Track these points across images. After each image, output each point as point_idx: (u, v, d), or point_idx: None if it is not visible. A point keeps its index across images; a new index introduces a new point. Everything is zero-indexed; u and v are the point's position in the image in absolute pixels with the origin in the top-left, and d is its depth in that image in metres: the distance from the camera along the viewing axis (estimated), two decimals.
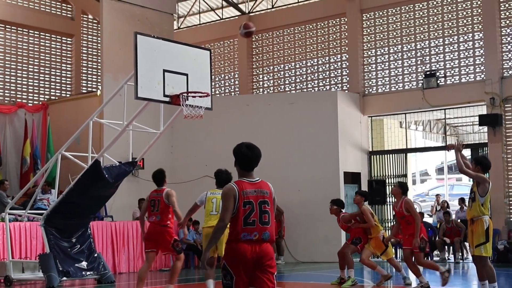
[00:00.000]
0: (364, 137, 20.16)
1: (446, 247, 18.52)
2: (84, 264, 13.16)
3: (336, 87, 21.11)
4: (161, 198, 9.84)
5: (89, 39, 22.75)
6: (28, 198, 15.35)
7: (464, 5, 19.05)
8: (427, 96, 19.07)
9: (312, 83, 21.68)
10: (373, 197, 19.56)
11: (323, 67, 21.58)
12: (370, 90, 20.43)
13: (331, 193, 17.00)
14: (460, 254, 18.08)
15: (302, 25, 21.97)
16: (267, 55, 22.73)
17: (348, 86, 20.80)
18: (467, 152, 18.42)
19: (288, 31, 22.28)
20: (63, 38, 22.14)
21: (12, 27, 20.99)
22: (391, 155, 20.25)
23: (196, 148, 19.28)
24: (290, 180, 18.80)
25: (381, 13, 20.40)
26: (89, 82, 22.63)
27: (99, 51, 21.40)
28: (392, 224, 19.52)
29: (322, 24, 21.60)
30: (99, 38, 21.40)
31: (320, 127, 19.03)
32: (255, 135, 19.05)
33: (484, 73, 18.50)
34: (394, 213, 11.61)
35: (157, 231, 9.83)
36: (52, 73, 21.79)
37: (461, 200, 19.21)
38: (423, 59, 19.64)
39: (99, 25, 21.02)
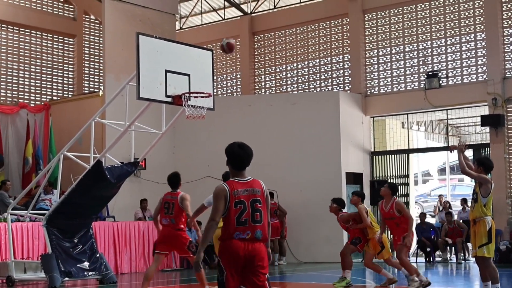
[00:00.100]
0: (366, 138, 20.15)
1: (448, 247, 18.51)
2: (86, 264, 13.16)
3: (338, 88, 21.10)
4: (176, 202, 9.88)
5: (91, 40, 22.76)
6: (30, 198, 15.36)
7: (466, 6, 19.04)
8: (429, 96, 19.06)
9: (314, 84, 21.68)
10: (375, 197, 19.53)
11: (325, 68, 21.57)
12: (372, 90, 20.42)
13: (333, 194, 16.90)
14: (462, 254, 18.07)
15: (304, 26, 21.96)
16: (269, 56, 22.72)
17: (350, 86, 20.79)
18: (469, 153, 18.40)
19: (290, 31, 22.27)
20: (65, 38, 22.15)
21: (14, 28, 21.00)
22: (393, 155, 20.23)
23: (198, 149, 19.29)
24: (292, 181, 18.81)
25: (383, 13, 20.39)
26: (91, 83, 22.65)
27: (101, 52, 21.43)
28: None
29: (324, 25, 21.58)
30: (101, 39, 21.43)
31: (322, 127, 19.02)
32: (257, 135, 19.09)
33: (486, 74, 18.48)
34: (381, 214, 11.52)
35: (172, 235, 9.86)
36: (54, 73, 21.80)
37: (463, 201, 19.20)
38: (425, 60, 19.62)
39: (101, 26, 21.04)
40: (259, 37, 22.96)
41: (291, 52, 22.24)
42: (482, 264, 9.27)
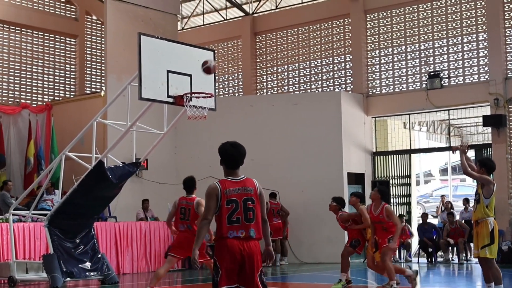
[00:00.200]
0: (368, 138, 20.15)
1: (450, 248, 18.49)
2: (88, 264, 13.17)
3: (340, 88, 21.10)
4: (192, 207, 9.85)
5: (93, 40, 22.78)
6: (32, 198, 15.37)
7: (468, 6, 19.02)
8: (431, 96, 19.04)
9: (316, 84, 21.67)
10: None
11: (327, 68, 21.56)
12: (374, 90, 20.41)
13: (335, 194, 16.71)
14: (464, 255, 18.05)
15: (306, 26, 21.96)
16: (271, 56, 22.72)
17: (352, 86, 20.78)
18: (471, 153, 18.39)
19: (292, 31, 22.27)
20: (67, 38, 22.17)
21: (16, 28, 21.01)
22: (395, 155, 20.22)
23: (200, 149, 19.28)
24: (294, 181, 18.81)
25: (385, 13, 20.39)
26: (93, 83, 22.66)
27: (103, 52, 21.44)
28: None
29: (326, 25, 21.57)
30: (103, 39, 21.43)
31: (323, 127, 19.01)
32: (259, 135, 19.10)
33: (488, 74, 18.47)
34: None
35: (190, 241, 9.81)
36: (56, 73, 21.81)
37: (466, 200, 19.19)
38: (427, 60, 19.61)
39: (103, 26, 21.06)
40: (261, 38, 22.96)
41: (293, 52, 22.23)
42: (485, 265, 9.25)
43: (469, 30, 19.03)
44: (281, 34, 22.50)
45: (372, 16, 20.61)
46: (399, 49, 20.18)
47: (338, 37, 21.38)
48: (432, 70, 19.37)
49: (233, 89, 23.59)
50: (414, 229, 19.53)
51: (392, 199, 19.89)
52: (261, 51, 22.93)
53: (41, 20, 21.36)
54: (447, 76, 19.15)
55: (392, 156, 20.23)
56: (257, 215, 5.95)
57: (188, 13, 24.37)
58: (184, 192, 10.12)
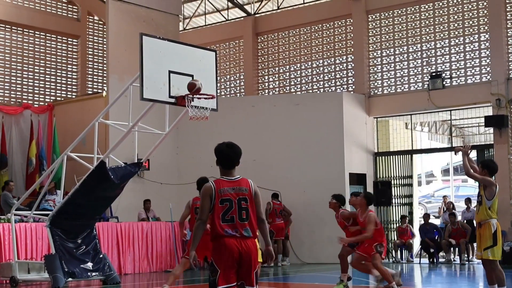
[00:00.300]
0: (370, 138, 20.14)
1: (451, 248, 18.48)
2: (89, 265, 13.17)
3: (341, 88, 21.09)
4: None
5: (94, 40, 22.79)
6: (34, 199, 15.38)
7: (470, 6, 19.01)
8: (432, 97, 19.03)
9: (318, 84, 21.67)
10: (379, 198, 19.54)
11: (329, 68, 21.56)
12: (376, 91, 20.40)
13: None
14: (466, 255, 18.04)
15: (307, 26, 21.95)
16: (273, 56, 22.72)
17: (353, 87, 20.77)
18: (472, 154, 18.36)
19: (294, 32, 22.26)
20: (69, 39, 22.18)
21: (18, 28, 21.03)
22: (396, 156, 20.21)
23: (202, 149, 19.26)
24: (295, 181, 18.81)
25: (386, 14, 20.38)
26: (94, 83, 22.67)
27: (104, 52, 21.46)
28: (397, 225, 19.50)
29: (328, 25, 21.57)
30: (104, 39, 21.45)
31: (325, 128, 19.01)
32: (261, 136, 19.11)
33: (490, 74, 18.46)
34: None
35: (206, 240, 9.83)
36: (58, 74, 21.82)
37: (468, 200, 19.18)
38: (429, 60, 19.60)
39: (104, 26, 21.07)
40: (262, 38, 22.96)
41: (294, 52, 22.23)
42: (488, 267, 9.23)
43: (471, 30, 19.02)
44: (283, 34, 22.50)
45: (374, 17, 20.61)
46: (401, 50, 20.17)
47: (340, 37, 21.37)
48: (434, 70, 19.36)
49: (235, 90, 23.60)
50: (416, 229, 19.52)
51: (393, 200, 19.89)
52: (263, 52, 22.94)
53: (43, 21, 21.38)
54: (449, 76, 19.14)
55: (394, 156, 20.22)
56: (251, 215, 6.02)
57: (190, 13, 24.38)
58: (197, 193, 10.13)
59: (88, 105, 19.61)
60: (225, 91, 23.67)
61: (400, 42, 20.17)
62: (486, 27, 18.68)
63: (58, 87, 21.81)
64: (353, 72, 20.86)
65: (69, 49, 22.19)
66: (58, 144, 19.05)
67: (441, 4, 19.52)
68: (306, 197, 18.71)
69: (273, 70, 22.71)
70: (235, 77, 23.60)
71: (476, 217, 9.41)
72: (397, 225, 19.51)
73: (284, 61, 22.49)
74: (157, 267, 16.54)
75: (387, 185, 19.76)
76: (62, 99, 21.58)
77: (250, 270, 5.95)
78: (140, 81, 11.14)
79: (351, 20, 20.94)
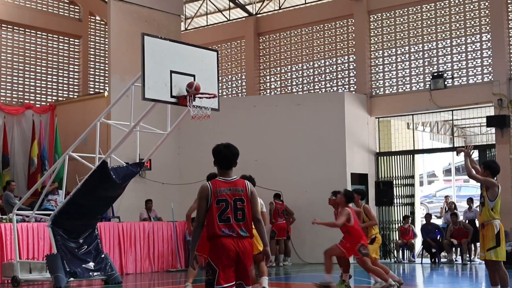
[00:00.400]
0: (371, 138, 20.13)
1: (453, 248, 18.47)
2: (91, 264, 13.18)
3: (343, 88, 21.08)
4: None
5: (96, 40, 22.81)
6: (36, 199, 15.39)
7: (472, 6, 19.00)
8: (434, 97, 19.02)
9: (319, 84, 21.67)
10: (380, 198, 19.54)
11: (330, 68, 21.55)
12: (377, 91, 20.39)
13: None
14: (468, 255, 18.03)
15: (309, 26, 21.95)
16: (274, 56, 22.72)
17: (355, 87, 20.77)
18: (474, 154, 18.35)
19: (295, 32, 22.26)
20: (71, 39, 22.20)
21: (20, 29, 21.04)
22: (398, 156, 20.20)
23: (203, 149, 19.11)
24: (297, 181, 18.81)
25: (388, 14, 20.37)
26: (96, 83, 22.68)
27: (106, 52, 21.47)
28: (399, 225, 19.49)
29: (329, 25, 21.57)
30: (106, 39, 21.46)
31: (327, 128, 19.01)
32: (262, 136, 19.12)
33: (491, 74, 18.45)
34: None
35: None
36: (59, 74, 21.84)
37: (470, 200, 19.16)
38: (431, 60, 19.59)
39: (106, 27, 21.07)
40: (264, 38, 22.96)
41: (296, 53, 22.23)
42: (491, 268, 9.20)
43: (472, 30, 19.01)
44: (285, 34, 22.50)
45: (375, 17, 20.60)
46: (403, 50, 20.16)
47: (342, 37, 21.37)
48: (436, 70, 19.35)
49: (237, 90, 23.60)
50: (417, 229, 19.50)
51: (395, 200, 19.88)
52: (264, 52, 22.94)
53: (44, 21, 21.39)
54: (450, 76, 19.13)
55: (395, 156, 20.21)
56: (247, 215, 6.07)
57: (191, 13, 24.39)
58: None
59: (89, 105, 19.63)
60: (227, 91, 23.67)
61: (402, 42, 20.16)
62: (488, 27, 18.67)
63: (60, 87, 21.83)
64: (354, 72, 20.85)
65: (71, 49, 22.20)
66: (59, 144, 19.07)
67: (442, 4, 19.50)
68: (308, 197, 18.70)
69: (275, 70, 22.72)
70: (236, 77, 23.61)
71: (479, 218, 9.40)
72: (399, 225, 19.51)
73: (285, 61, 22.49)
74: (159, 267, 16.54)
75: (388, 185, 19.75)
76: (64, 99, 21.59)
77: (247, 269, 6.02)
78: (141, 81, 11.15)
79: (353, 20, 20.93)
